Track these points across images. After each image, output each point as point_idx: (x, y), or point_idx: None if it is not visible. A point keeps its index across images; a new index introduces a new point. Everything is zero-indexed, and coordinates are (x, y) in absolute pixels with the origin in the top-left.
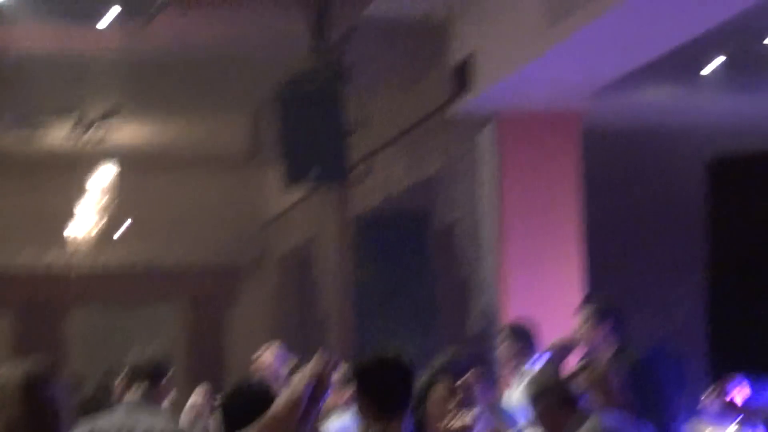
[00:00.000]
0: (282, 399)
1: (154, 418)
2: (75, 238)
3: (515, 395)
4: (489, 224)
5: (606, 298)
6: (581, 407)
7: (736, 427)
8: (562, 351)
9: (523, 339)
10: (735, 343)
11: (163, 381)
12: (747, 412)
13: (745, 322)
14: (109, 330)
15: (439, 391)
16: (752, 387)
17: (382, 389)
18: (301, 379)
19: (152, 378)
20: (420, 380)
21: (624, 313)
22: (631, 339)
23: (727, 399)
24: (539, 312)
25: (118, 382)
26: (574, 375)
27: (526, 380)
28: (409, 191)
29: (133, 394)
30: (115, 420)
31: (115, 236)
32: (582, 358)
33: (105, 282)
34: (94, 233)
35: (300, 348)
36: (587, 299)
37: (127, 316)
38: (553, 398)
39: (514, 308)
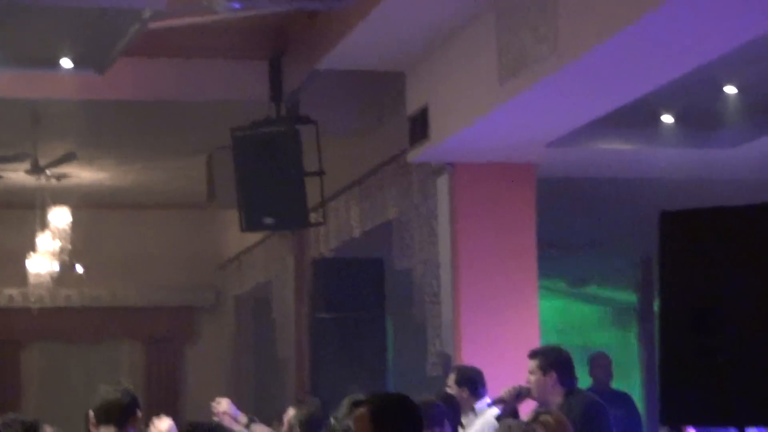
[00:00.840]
0: None
1: None
2: (36, 275)
3: None
4: (445, 270)
5: (552, 350)
6: None
7: None
8: (515, 398)
9: (470, 385)
10: (685, 396)
11: (132, 421)
12: None
13: (695, 375)
14: (67, 366)
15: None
16: None
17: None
18: None
19: (121, 419)
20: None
21: (571, 362)
22: (578, 388)
23: None
24: (495, 356)
25: (88, 421)
26: (531, 422)
27: (475, 426)
28: (366, 236)
29: None
30: None
31: (76, 274)
32: (536, 407)
33: (64, 319)
34: (54, 271)
35: (259, 386)
36: (534, 351)
37: (85, 353)
38: None
39: (470, 352)
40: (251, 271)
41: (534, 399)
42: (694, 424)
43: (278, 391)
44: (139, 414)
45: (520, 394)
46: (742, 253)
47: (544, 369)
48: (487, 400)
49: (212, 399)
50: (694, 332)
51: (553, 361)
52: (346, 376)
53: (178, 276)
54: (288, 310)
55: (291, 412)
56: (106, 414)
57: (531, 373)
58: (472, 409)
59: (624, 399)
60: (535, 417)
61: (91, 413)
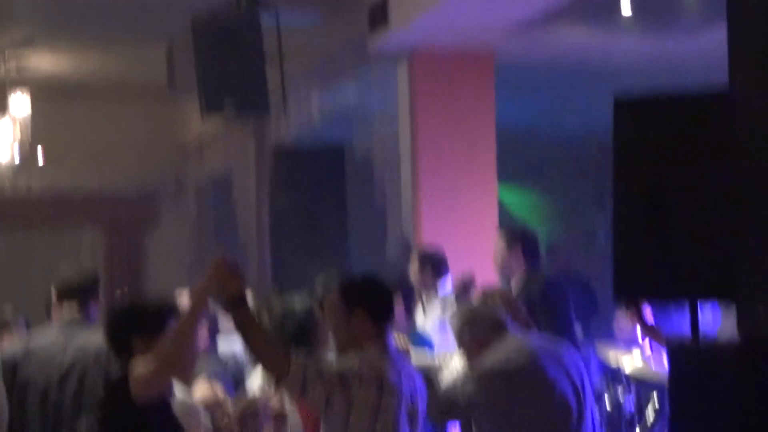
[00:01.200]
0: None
1: (89, 335)
2: None
3: (429, 320)
4: (405, 157)
5: (519, 228)
6: (507, 330)
7: (642, 360)
8: (462, 290)
9: (433, 266)
10: (639, 272)
11: (93, 298)
12: (654, 335)
13: (648, 253)
14: (29, 253)
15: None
16: (654, 314)
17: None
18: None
19: (83, 296)
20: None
21: (536, 240)
22: (540, 265)
23: (638, 320)
24: (453, 240)
25: (49, 301)
26: (482, 300)
27: (437, 306)
28: (326, 124)
29: (65, 312)
30: (50, 337)
31: (37, 162)
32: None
33: (25, 207)
34: (14, 159)
35: None
36: (500, 227)
37: (47, 240)
38: (481, 326)
39: (429, 237)
40: (212, 159)
41: (498, 273)
42: (647, 299)
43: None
44: (99, 294)
45: (465, 286)
46: (695, 138)
47: (510, 243)
48: (449, 285)
49: (174, 285)
50: (648, 213)
51: (519, 236)
52: (307, 261)
53: (139, 163)
54: (249, 197)
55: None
56: (68, 290)
57: (498, 246)
58: (435, 293)
59: (581, 282)
60: (482, 296)
61: (53, 290)
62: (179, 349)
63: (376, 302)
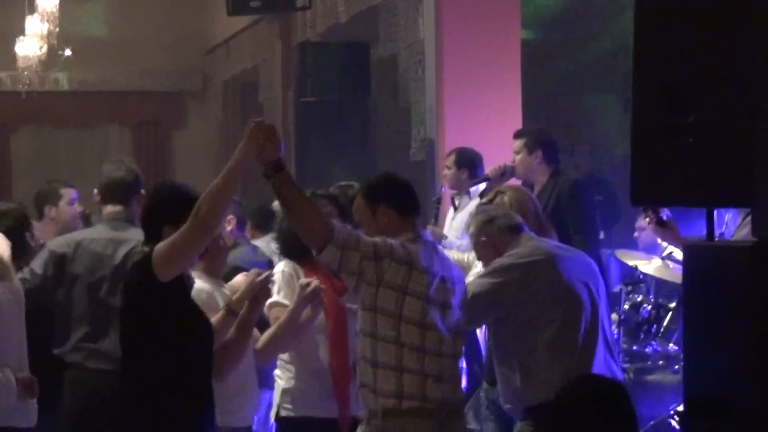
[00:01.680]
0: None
1: (135, 232)
2: (25, 58)
3: (458, 220)
4: (430, 55)
5: (537, 130)
6: (522, 233)
7: (661, 261)
8: (500, 176)
9: (470, 167)
10: (656, 177)
11: (136, 196)
12: (672, 236)
13: (666, 157)
14: (56, 150)
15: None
16: (676, 220)
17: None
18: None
19: (126, 194)
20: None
21: (555, 143)
22: (563, 168)
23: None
24: (478, 141)
25: (94, 198)
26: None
27: (469, 207)
28: (352, 21)
29: (110, 210)
30: (97, 234)
31: (65, 58)
32: (482, 193)
33: (52, 102)
34: (42, 54)
35: (246, 170)
36: (520, 131)
37: (73, 137)
38: (495, 226)
39: (453, 138)
40: (239, 56)
41: (519, 178)
42: (664, 205)
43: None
44: (143, 192)
45: (505, 173)
46: (718, 35)
47: (530, 148)
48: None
49: (199, 182)
50: (667, 112)
51: (539, 140)
52: (332, 158)
53: (166, 61)
54: (275, 95)
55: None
56: (111, 191)
57: (516, 152)
58: (467, 192)
59: (603, 184)
60: (494, 196)
61: (96, 191)
62: (216, 209)
63: (397, 195)
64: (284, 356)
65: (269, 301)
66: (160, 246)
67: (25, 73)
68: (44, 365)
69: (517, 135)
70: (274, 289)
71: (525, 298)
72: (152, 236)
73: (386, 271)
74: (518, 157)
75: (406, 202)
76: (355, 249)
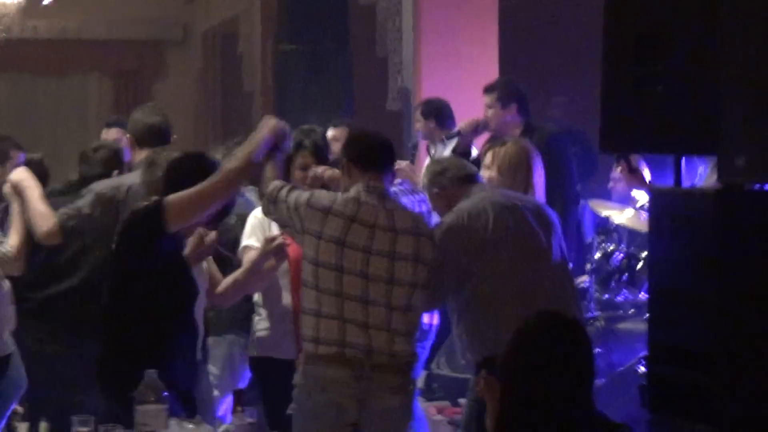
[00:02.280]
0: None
1: None
2: (2, 4)
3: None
4: (407, 5)
5: (509, 83)
6: (475, 183)
7: (634, 211)
8: (473, 131)
9: (437, 116)
10: (625, 125)
11: (168, 142)
12: (639, 182)
13: (634, 105)
14: (35, 98)
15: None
16: (651, 170)
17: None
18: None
19: (158, 140)
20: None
21: (528, 96)
22: (537, 122)
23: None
24: (455, 92)
25: (126, 144)
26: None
27: (446, 153)
28: None
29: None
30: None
31: (43, 5)
32: (489, 140)
33: (31, 50)
34: (21, 1)
35: (225, 120)
36: (491, 85)
37: (53, 85)
38: (447, 177)
39: (430, 88)
40: (219, 6)
41: (491, 132)
42: (632, 151)
43: (244, 124)
44: (170, 138)
45: (478, 127)
46: None
47: (504, 101)
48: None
49: (180, 133)
50: (636, 60)
51: (511, 93)
52: (310, 107)
53: (146, 10)
54: (254, 44)
55: None
56: (148, 136)
57: (489, 107)
58: (441, 141)
59: (580, 136)
60: (489, 147)
61: (128, 136)
62: (240, 172)
63: (356, 151)
64: (257, 300)
65: (242, 244)
66: (175, 197)
67: (4, 20)
68: None
69: (489, 89)
70: (246, 231)
71: (463, 248)
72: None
73: (304, 219)
74: (491, 112)
75: (363, 157)
76: (284, 201)
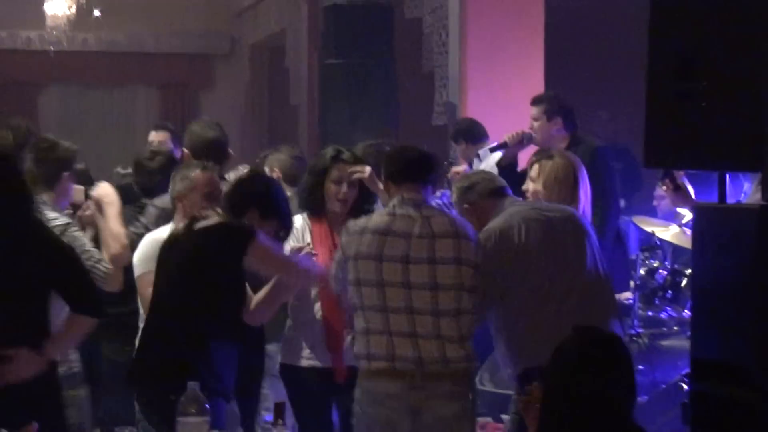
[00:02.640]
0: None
1: None
2: (53, 17)
3: None
4: (454, 19)
5: (555, 96)
6: (505, 197)
7: (679, 228)
8: (518, 143)
9: (465, 136)
10: (668, 141)
11: (226, 155)
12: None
13: (678, 122)
14: (84, 110)
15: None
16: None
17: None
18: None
19: (216, 153)
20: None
21: (574, 110)
22: (582, 135)
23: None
24: (501, 106)
25: (182, 156)
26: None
27: (482, 166)
28: None
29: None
30: None
31: (93, 17)
32: (536, 153)
33: (81, 62)
34: (71, 14)
35: (272, 133)
36: (538, 98)
37: (102, 97)
38: (475, 192)
39: (475, 103)
40: (266, 20)
41: (537, 145)
42: (675, 168)
43: (290, 137)
44: (231, 152)
45: (523, 140)
46: (729, 5)
47: (549, 115)
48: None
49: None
50: (680, 77)
51: (558, 106)
52: (355, 121)
53: (194, 23)
54: (301, 58)
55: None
56: (206, 150)
57: (535, 119)
58: (477, 156)
59: (623, 153)
60: (536, 160)
61: (186, 151)
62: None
63: (389, 168)
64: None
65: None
66: (265, 248)
67: (54, 32)
68: None
69: (535, 101)
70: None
71: (495, 267)
72: (236, 214)
73: (345, 248)
74: (536, 124)
75: (397, 172)
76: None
